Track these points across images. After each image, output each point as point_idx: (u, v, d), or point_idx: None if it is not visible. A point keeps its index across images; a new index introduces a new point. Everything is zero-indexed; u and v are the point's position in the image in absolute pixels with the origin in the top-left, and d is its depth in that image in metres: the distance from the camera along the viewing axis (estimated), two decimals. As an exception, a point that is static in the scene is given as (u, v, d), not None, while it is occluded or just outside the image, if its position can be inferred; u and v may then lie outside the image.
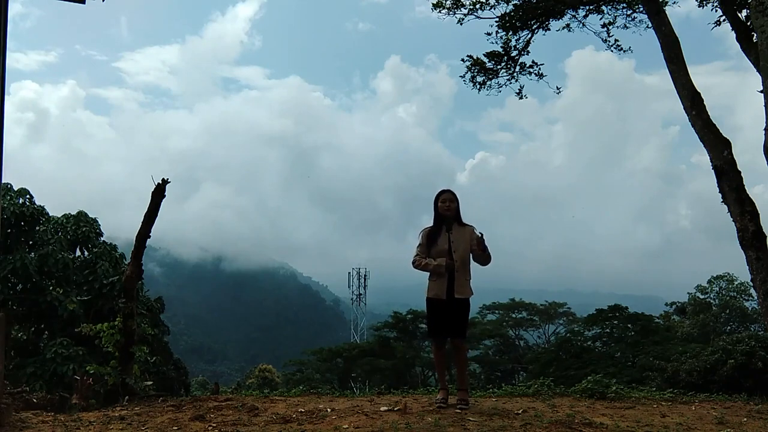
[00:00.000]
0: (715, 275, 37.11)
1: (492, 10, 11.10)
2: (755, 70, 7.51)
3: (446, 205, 5.37)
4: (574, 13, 10.64)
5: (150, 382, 7.19)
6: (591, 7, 10.60)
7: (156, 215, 6.98)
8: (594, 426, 4.59)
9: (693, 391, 7.50)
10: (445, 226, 5.39)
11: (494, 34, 11.32)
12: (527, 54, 11.18)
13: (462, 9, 10.92)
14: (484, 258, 5.36)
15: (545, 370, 25.23)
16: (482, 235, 5.30)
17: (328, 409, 5.18)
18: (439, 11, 10.97)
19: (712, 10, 9.95)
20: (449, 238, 5.32)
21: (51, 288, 15.86)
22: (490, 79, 11.49)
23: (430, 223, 5.53)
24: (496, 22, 11.03)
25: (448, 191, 5.47)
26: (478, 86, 11.43)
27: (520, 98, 11.64)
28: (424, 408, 5.16)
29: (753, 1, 6.55)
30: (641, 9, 10.14)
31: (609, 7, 10.70)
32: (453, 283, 5.25)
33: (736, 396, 6.43)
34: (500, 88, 11.59)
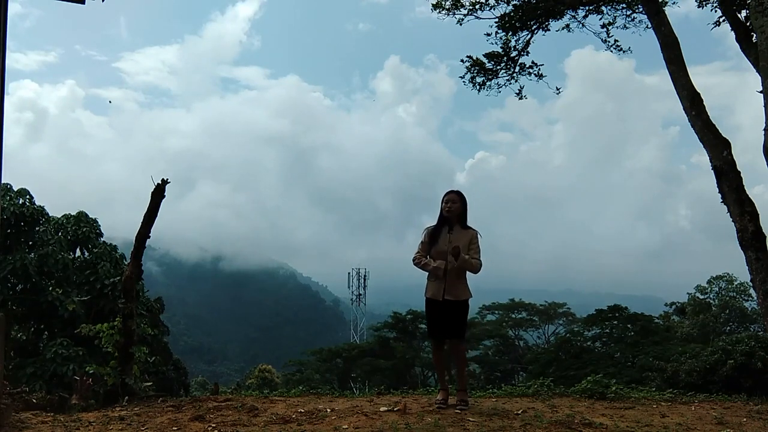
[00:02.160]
0: (714, 275, 37.13)
1: (491, 10, 11.12)
2: (755, 70, 7.52)
3: (448, 206, 5.35)
4: (573, 14, 10.65)
5: (150, 383, 7.18)
6: (591, 7, 10.61)
7: (156, 215, 6.98)
8: (594, 426, 4.60)
9: (693, 392, 7.50)
10: (447, 226, 5.38)
11: (494, 35, 11.35)
12: (527, 54, 11.20)
13: (461, 9, 10.94)
14: (462, 267, 5.21)
15: (545, 370, 25.22)
16: (458, 248, 5.12)
17: (328, 410, 5.18)
18: (439, 12, 10.99)
19: (711, 10, 9.97)
20: (449, 239, 5.30)
21: (51, 288, 15.87)
22: (490, 80, 11.50)
23: (433, 222, 5.53)
24: (495, 22, 11.04)
25: (454, 192, 5.44)
26: (477, 87, 11.45)
27: (520, 98, 11.66)
28: (424, 408, 5.16)
29: (752, 1, 6.55)
30: (641, 9, 10.15)
31: (608, 7, 10.71)
32: (446, 285, 5.23)
33: (736, 396, 6.43)
34: (500, 89, 11.61)
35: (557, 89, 11.88)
